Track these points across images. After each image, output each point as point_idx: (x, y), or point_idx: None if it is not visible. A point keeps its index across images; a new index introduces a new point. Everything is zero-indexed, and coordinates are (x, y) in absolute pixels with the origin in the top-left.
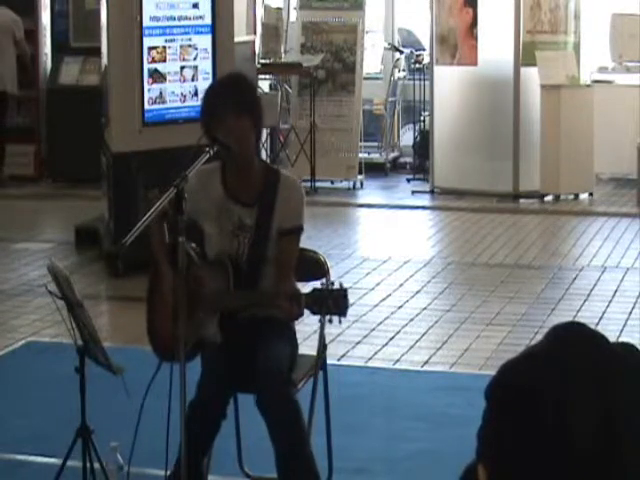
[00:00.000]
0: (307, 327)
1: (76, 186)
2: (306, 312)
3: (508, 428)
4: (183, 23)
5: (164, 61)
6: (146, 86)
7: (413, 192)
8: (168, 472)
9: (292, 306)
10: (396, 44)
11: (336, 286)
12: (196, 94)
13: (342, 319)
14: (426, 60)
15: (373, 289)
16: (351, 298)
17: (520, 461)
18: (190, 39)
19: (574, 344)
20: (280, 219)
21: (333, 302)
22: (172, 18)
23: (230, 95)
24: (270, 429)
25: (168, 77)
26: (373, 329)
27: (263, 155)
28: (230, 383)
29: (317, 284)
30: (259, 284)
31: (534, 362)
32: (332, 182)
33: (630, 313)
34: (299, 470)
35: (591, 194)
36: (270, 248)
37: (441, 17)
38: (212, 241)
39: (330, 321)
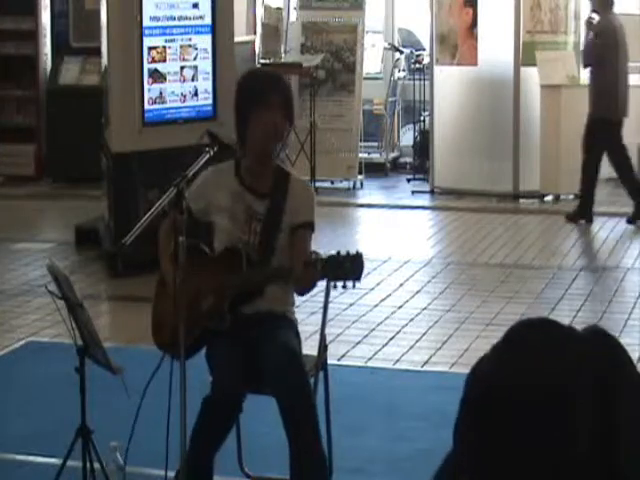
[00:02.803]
0: (307, 327)
1: (76, 186)
2: (306, 311)
3: (493, 430)
4: (183, 23)
5: (164, 61)
6: (146, 86)
7: (413, 192)
8: (169, 472)
9: (306, 271)
10: (396, 44)
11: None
12: (196, 94)
13: (357, 284)
14: (426, 60)
15: (373, 289)
16: (351, 298)
17: (510, 465)
18: (190, 39)
19: (535, 334)
20: (291, 213)
21: (350, 265)
22: (172, 18)
23: (279, 94)
24: (286, 411)
25: (168, 77)
26: (373, 329)
27: None
28: (245, 377)
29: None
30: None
31: (500, 364)
32: (332, 182)
33: (630, 313)
34: (315, 467)
35: None
36: (280, 239)
37: (441, 17)
38: (223, 231)
39: (344, 286)
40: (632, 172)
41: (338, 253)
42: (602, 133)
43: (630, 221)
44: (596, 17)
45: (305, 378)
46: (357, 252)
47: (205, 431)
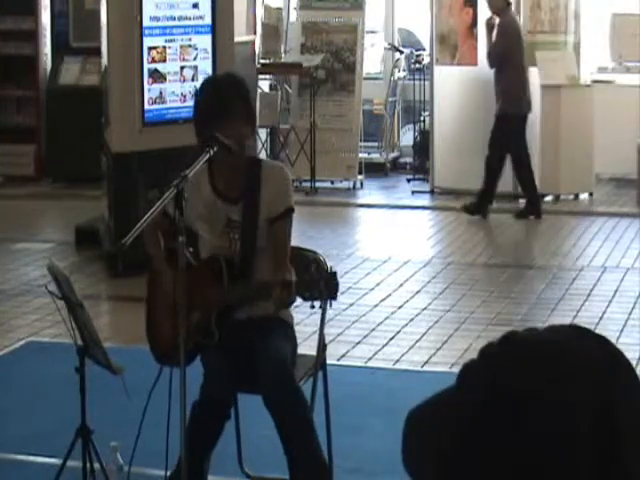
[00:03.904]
0: (307, 327)
1: (76, 186)
2: (306, 311)
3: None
4: (183, 23)
5: (164, 61)
6: (146, 86)
7: (413, 192)
8: (169, 472)
9: (282, 293)
10: (396, 44)
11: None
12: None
13: (333, 302)
14: (426, 60)
15: (373, 289)
16: (351, 298)
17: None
18: (190, 39)
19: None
20: (268, 208)
21: (325, 285)
22: (172, 18)
23: (238, 103)
24: (280, 426)
25: (168, 77)
26: (373, 329)
27: (263, 155)
28: (233, 383)
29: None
30: (253, 278)
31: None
32: (332, 182)
33: (630, 313)
34: (312, 463)
35: (591, 194)
36: (260, 240)
37: (441, 17)
38: (205, 242)
39: (321, 306)
40: (530, 168)
41: (313, 272)
42: (509, 129)
43: (521, 215)
44: (497, 19)
45: (295, 394)
46: (331, 271)
47: (193, 435)
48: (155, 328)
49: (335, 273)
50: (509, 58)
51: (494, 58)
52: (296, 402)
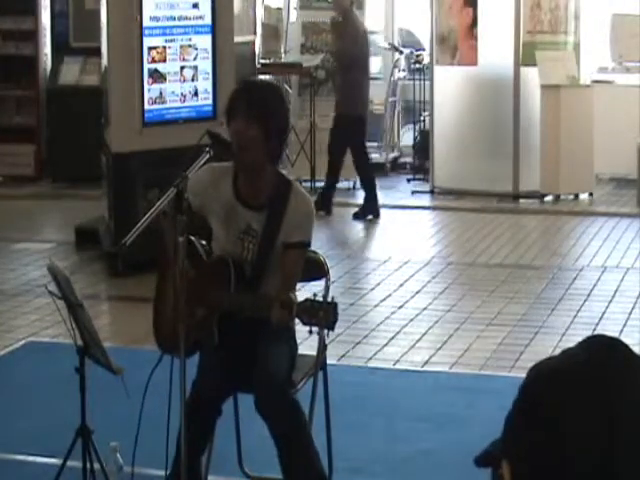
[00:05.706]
0: (307, 327)
1: (76, 186)
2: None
3: (527, 434)
4: (183, 23)
5: (164, 61)
6: (146, 86)
7: (413, 192)
8: (168, 472)
9: (283, 312)
10: (396, 44)
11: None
12: (196, 94)
13: (330, 332)
14: (426, 60)
15: (373, 289)
16: (351, 298)
17: (533, 469)
18: (190, 39)
19: (609, 366)
20: (287, 230)
21: (323, 315)
22: (172, 18)
23: (243, 101)
24: (271, 434)
25: (168, 77)
26: (373, 329)
27: None
28: (226, 381)
29: (310, 294)
30: (261, 290)
31: (567, 376)
32: None
33: (630, 313)
34: (303, 471)
35: (591, 194)
36: (275, 255)
37: (441, 17)
38: (219, 241)
39: (318, 333)
40: (370, 167)
41: (314, 298)
42: (349, 130)
43: (357, 216)
44: (340, 18)
45: (288, 409)
46: (332, 302)
47: (186, 432)
48: (161, 317)
49: (336, 304)
50: (354, 59)
51: (341, 59)
52: (291, 424)
